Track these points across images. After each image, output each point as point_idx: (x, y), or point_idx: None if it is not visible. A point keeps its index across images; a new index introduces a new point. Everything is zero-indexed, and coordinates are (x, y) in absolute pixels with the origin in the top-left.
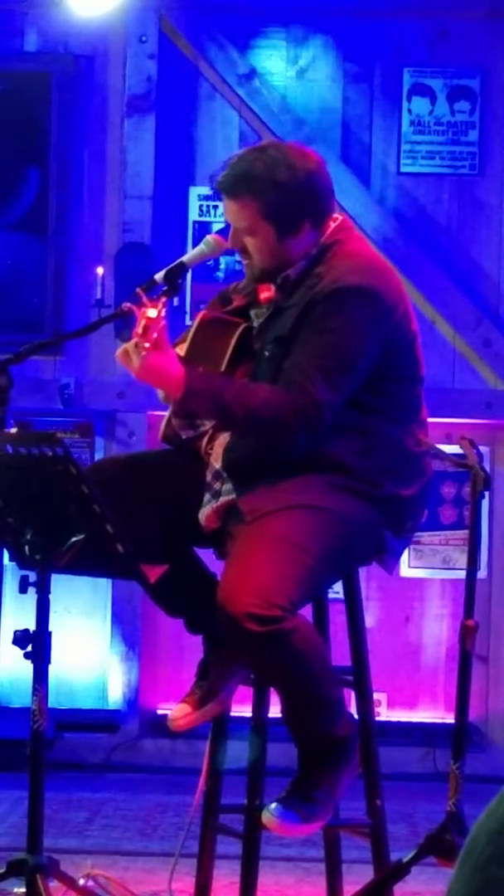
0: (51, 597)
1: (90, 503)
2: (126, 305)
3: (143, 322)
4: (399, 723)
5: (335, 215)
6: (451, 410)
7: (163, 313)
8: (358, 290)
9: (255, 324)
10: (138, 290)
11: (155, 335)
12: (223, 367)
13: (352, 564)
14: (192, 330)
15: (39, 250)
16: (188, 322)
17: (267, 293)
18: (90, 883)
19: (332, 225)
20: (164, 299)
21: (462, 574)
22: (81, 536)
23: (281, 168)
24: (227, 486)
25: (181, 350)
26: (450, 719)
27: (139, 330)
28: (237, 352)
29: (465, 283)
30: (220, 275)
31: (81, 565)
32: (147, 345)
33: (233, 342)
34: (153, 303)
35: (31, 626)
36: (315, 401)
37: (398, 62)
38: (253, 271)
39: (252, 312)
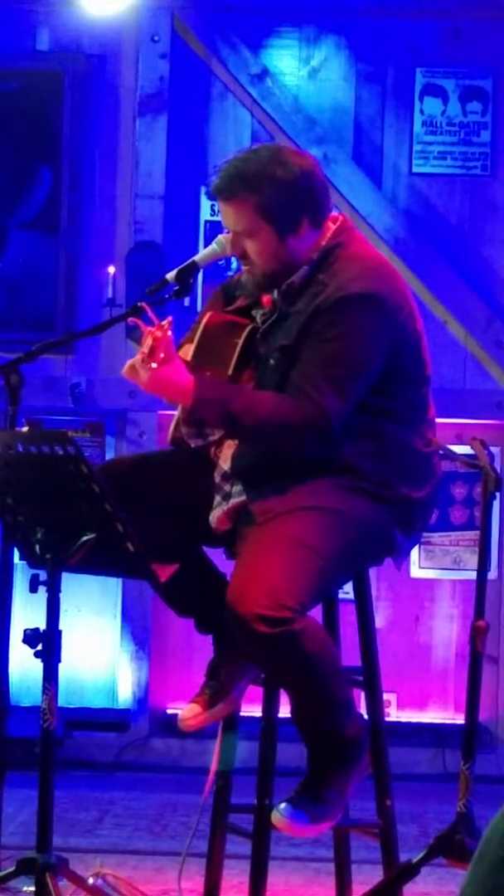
0: (61, 596)
1: (101, 502)
2: (131, 320)
3: (149, 341)
4: (409, 723)
5: (334, 215)
6: (462, 411)
7: (169, 332)
8: (363, 296)
9: (259, 323)
10: (143, 304)
11: (162, 354)
12: (230, 370)
13: (362, 565)
14: (199, 331)
15: (51, 249)
16: None
17: (268, 296)
18: (99, 882)
19: (332, 227)
20: (170, 318)
21: (472, 575)
22: (92, 535)
23: (275, 165)
24: (238, 488)
25: (187, 352)
26: (460, 720)
27: (145, 349)
28: (244, 354)
29: (477, 283)
30: (231, 274)
31: (92, 564)
32: (154, 365)
33: (239, 344)
34: (159, 324)
35: (42, 625)
36: (324, 410)
37: (411, 62)
38: (255, 278)
39: (254, 313)
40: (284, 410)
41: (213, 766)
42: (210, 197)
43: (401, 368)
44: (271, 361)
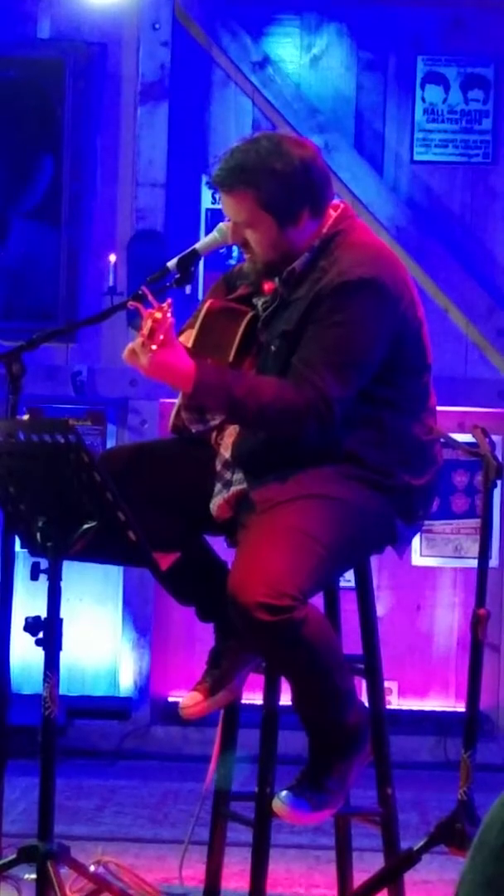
0: (62, 584)
1: (102, 491)
2: (132, 304)
3: (148, 323)
4: (410, 711)
5: (335, 202)
6: (463, 399)
7: (168, 314)
8: (363, 283)
9: (260, 311)
10: (143, 288)
11: (161, 336)
12: (231, 357)
13: (363, 554)
14: (200, 318)
15: (53, 238)
16: None
17: (270, 283)
18: (101, 870)
19: (333, 214)
20: (169, 300)
21: (474, 563)
22: (93, 524)
23: (275, 157)
24: (238, 476)
25: (188, 338)
26: (461, 708)
27: (145, 331)
28: (245, 341)
29: (479, 271)
30: (233, 262)
31: (93, 553)
32: (154, 347)
33: (240, 331)
34: (159, 306)
35: (43, 613)
36: (325, 396)
37: (412, 50)
38: (256, 266)
39: (255, 300)
40: (286, 396)
41: (214, 755)
42: (211, 186)
43: (402, 356)
44: (272, 348)
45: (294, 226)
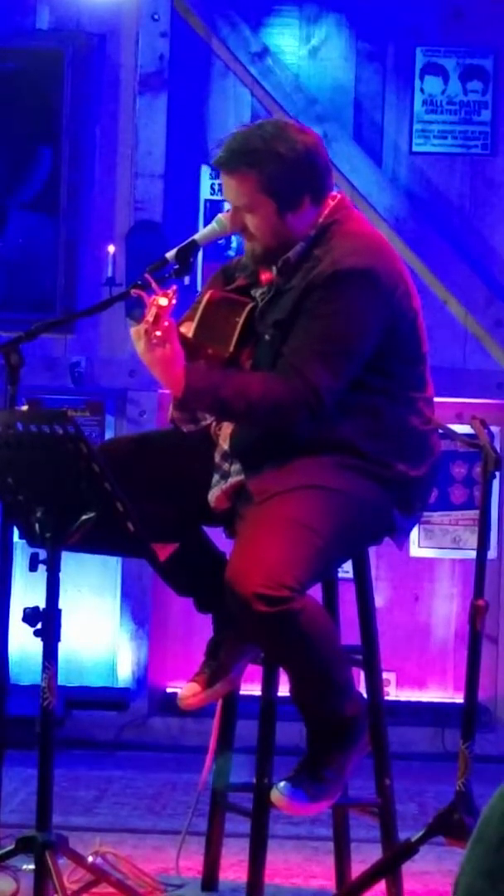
0: (61, 575)
1: (101, 481)
2: (135, 292)
3: (153, 310)
4: (408, 702)
5: (333, 193)
6: (462, 390)
7: (173, 302)
8: (356, 272)
9: (259, 302)
10: (147, 276)
11: (166, 323)
12: (231, 348)
13: (361, 544)
14: (200, 309)
15: (51, 229)
16: None
17: (267, 274)
18: (99, 860)
19: (331, 204)
20: (174, 287)
21: (472, 554)
22: (92, 515)
23: (279, 141)
24: (236, 467)
25: (188, 329)
26: (459, 699)
27: (150, 318)
28: (245, 332)
29: (478, 263)
30: (232, 253)
31: (91, 543)
32: (158, 333)
33: (241, 322)
34: (163, 292)
35: (41, 604)
36: (314, 387)
37: (411, 41)
38: (255, 252)
39: (254, 292)
40: (275, 391)
41: (212, 745)
42: (213, 169)
43: (396, 346)
44: (266, 337)
45: (294, 212)
